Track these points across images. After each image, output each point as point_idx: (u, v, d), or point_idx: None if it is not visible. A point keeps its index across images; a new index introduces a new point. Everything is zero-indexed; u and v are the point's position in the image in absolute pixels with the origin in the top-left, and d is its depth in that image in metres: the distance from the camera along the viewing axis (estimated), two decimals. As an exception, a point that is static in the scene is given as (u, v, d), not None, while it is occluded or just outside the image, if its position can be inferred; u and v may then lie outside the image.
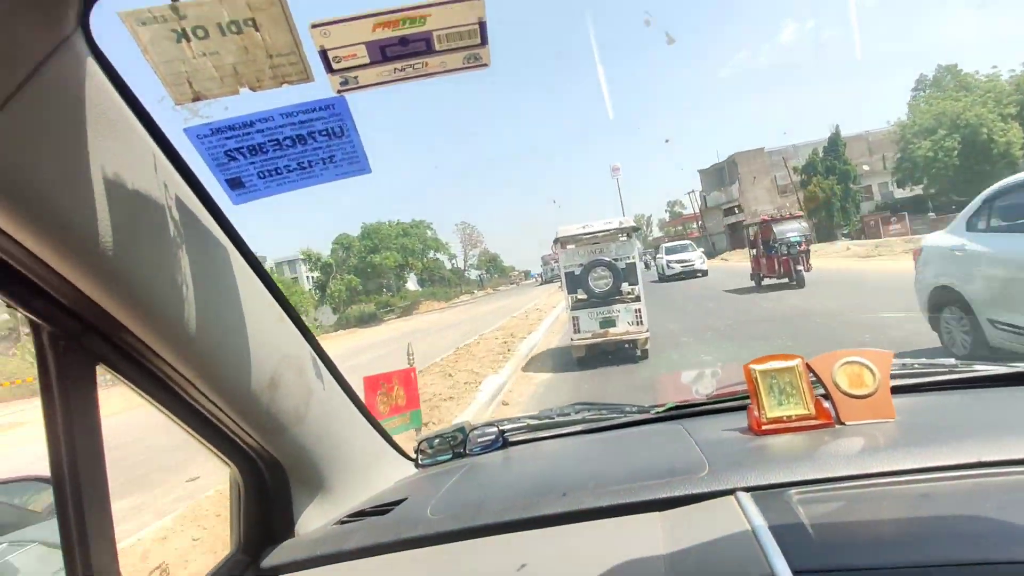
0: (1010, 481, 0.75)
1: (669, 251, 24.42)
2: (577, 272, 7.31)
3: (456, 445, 1.38)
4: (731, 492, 0.83)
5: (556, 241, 7.61)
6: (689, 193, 53.21)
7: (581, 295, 7.31)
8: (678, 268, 22.45)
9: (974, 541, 0.64)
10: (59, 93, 0.52)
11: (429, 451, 1.39)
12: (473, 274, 68.39)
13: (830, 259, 21.41)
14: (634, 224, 7.71)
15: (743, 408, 1.23)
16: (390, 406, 2.13)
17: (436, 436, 1.41)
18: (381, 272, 47.19)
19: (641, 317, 7.12)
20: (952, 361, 1.30)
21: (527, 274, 69.97)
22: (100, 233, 0.58)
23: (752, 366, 1.06)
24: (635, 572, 0.73)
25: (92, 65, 0.55)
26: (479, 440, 1.39)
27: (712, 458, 0.94)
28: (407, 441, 1.58)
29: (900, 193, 36.00)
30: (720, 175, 46.11)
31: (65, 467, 0.66)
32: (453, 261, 61.50)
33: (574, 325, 7.26)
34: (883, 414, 0.98)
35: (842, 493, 0.79)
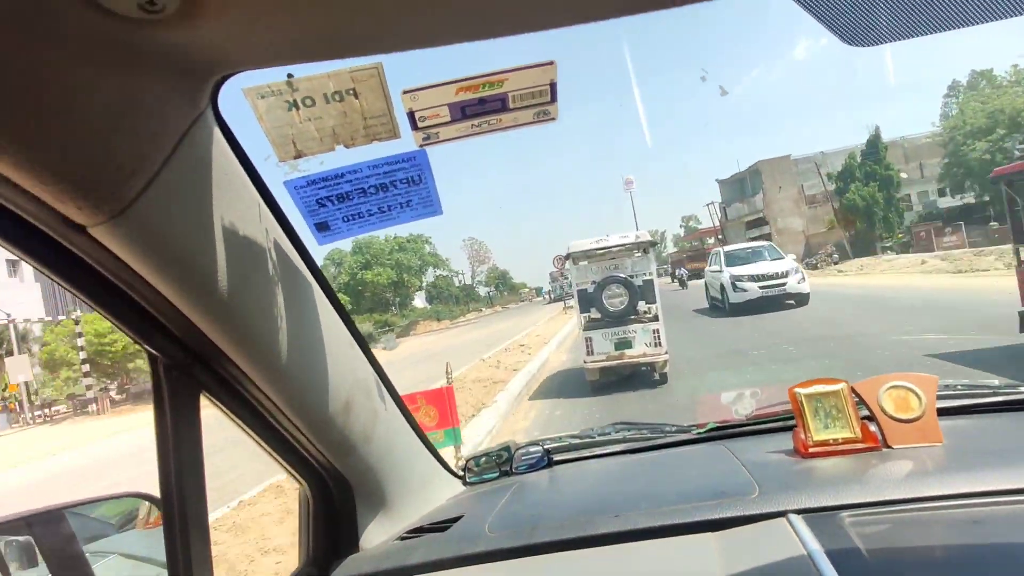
0: None
1: (733, 260, 14.04)
2: (590, 290, 7.00)
3: (502, 463, 1.43)
4: (782, 514, 0.86)
5: (568, 256, 7.29)
6: (708, 205, 49.63)
7: (595, 314, 7.05)
8: (754, 291, 12.53)
9: None
10: (194, 161, 0.60)
11: (476, 469, 1.44)
12: (482, 291, 66.78)
13: (913, 275, 16.69)
14: (651, 238, 7.31)
15: (785, 429, 1.26)
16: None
17: (483, 455, 1.46)
18: (374, 290, 44.41)
19: (659, 338, 6.78)
20: (996, 383, 1.31)
21: (538, 291, 68.07)
22: (217, 274, 0.65)
23: (797, 390, 1.09)
24: None
25: (218, 134, 0.62)
26: (524, 459, 1.44)
27: (761, 480, 0.97)
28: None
29: (945, 202, 32.56)
30: (741, 186, 43.78)
31: (173, 485, 0.73)
32: (460, 278, 60.21)
33: (587, 346, 6.98)
34: (931, 438, 1.00)
35: (894, 517, 0.82)
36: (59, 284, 0.58)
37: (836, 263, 28.14)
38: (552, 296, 44.11)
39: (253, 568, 3.42)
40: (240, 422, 0.84)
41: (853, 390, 1.08)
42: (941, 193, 32.36)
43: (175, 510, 0.74)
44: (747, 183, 42.11)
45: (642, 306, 6.98)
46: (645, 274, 7.05)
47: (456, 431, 2.13)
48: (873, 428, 1.06)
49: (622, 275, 6.98)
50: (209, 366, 0.76)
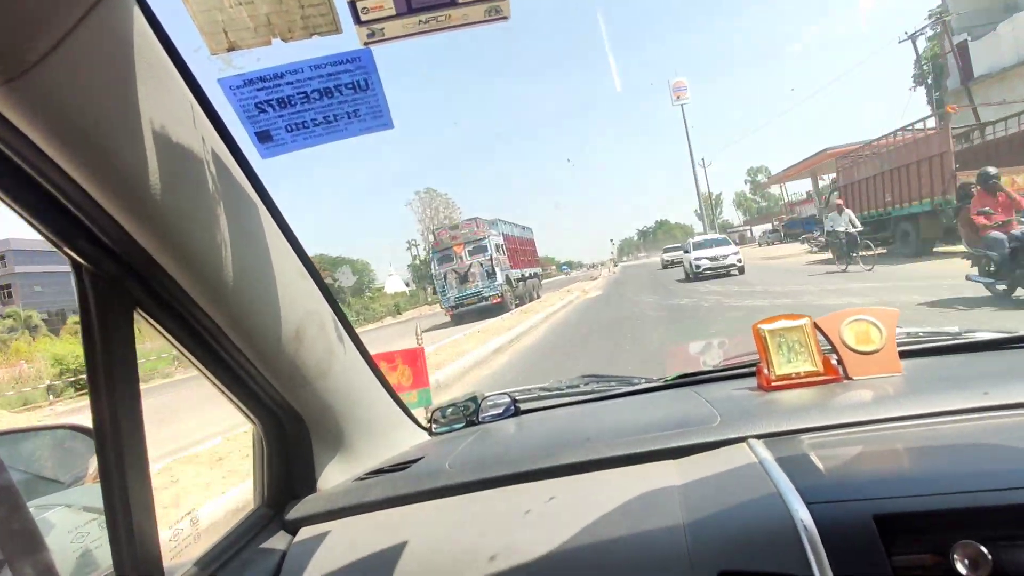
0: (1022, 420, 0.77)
1: None
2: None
3: (469, 414, 1.41)
4: (743, 440, 0.85)
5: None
6: (933, 22, 18.85)
7: None
8: None
9: (986, 473, 0.66)
10: (107, 37, 0.55)
11: (443, 420, 1.42)
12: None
13: None
14: None
15: (752, 374, 1.26)
16: (394, 384, 2.19)
17: (449, 405, 1.44)
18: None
19: None
20: (956, 329, 1.33)
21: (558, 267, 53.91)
22: (143, 174, 0.61)
23: (761, 326, 1.09)
24: (653, 512, 0.76)
25: (136, 11, 0.58)
26: (491, 409, 1.42)
27: (723, 411, 0.96)
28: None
29: None
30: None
31: (106, 414, 0.68)
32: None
33: None
34: (890, 368, 1.01)
35: (852, 437, 0.82)
36: None
37: None
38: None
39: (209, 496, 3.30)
40: (180, 346, 0.80)
41: (816, 325, 1.08)
42: None
43: (108, 443, 0.69)
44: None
45: None
46: None
47: (427, 391, 2.13)
48: (835, 362, 1.06)
49: None
50: (143, 280, 0.72)
